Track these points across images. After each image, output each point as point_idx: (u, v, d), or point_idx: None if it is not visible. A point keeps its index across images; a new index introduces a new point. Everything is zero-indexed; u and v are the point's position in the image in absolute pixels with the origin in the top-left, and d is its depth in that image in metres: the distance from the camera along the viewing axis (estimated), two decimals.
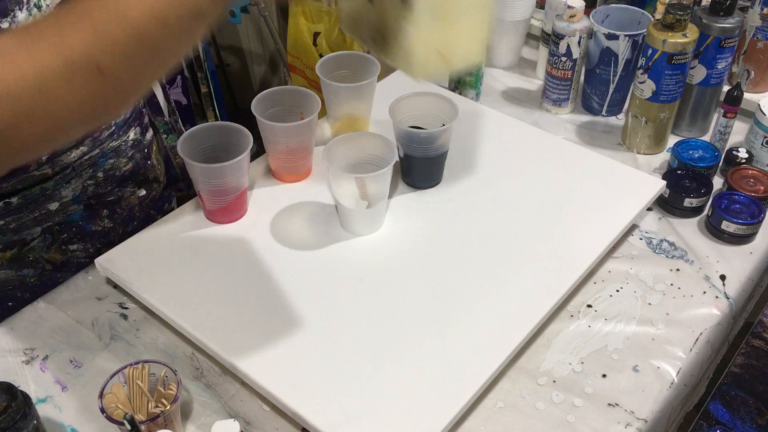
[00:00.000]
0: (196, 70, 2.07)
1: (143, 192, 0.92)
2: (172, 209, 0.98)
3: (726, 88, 1.07)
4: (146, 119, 0.94)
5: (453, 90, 1.17)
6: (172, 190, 1.00)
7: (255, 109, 0.92)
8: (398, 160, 0.95)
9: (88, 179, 0.84)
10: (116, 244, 0.88)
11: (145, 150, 0.92)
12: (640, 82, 1.03)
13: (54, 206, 0.82)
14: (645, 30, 1.03)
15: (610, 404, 0.75)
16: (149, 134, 0.94)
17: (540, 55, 1.25)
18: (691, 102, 1.09)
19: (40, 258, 0.84)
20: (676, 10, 0.96)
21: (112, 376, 0.70)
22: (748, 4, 1.08)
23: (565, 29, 1.08)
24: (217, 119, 2.08)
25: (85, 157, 0.83)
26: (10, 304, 0.86)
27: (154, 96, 0.96)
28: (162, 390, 0.71)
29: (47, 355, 0.80)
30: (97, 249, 0.89)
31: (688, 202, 0.96)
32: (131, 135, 0.89)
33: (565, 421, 0.74)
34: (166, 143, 0.99)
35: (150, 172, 0.94)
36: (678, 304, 0.86)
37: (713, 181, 1.00)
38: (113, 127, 0.85)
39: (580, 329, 0.83)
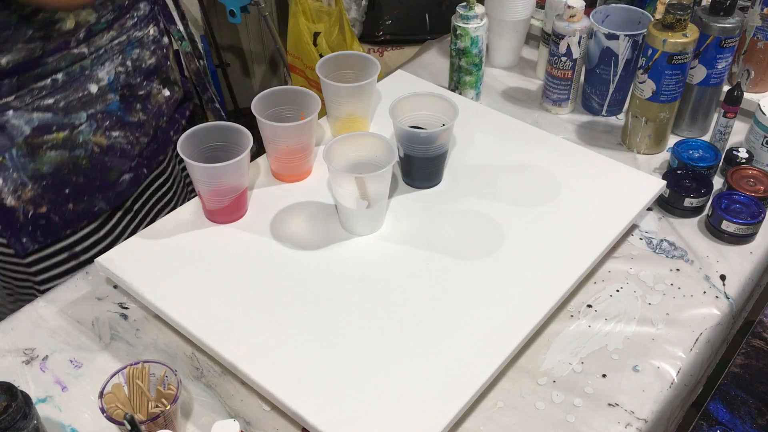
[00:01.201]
0: None
1: (167, 92, 1.01)
2: (189, 120, 1.08)
3: (726, 88, 1.07)
4: (161, 24, 1.01)
5: (453, 90, 1.17)
6: (189, 103, 1.09)
7: (255, 109, 0.93)
8: (398, 160, 0.95)
9: (119, 65, 0.92)
10: (152, 137, 0.98)
11: (164, 50, 1.00)
12: (640, 82, 1.03)
13: (94, 89, 0.90)
14: (645, 30, 1.03)
15: (610, 404, 0.75)
16: (165, 39, 1.01)
17: (540, 55, 1.25)
18: (691, 102, 1.09)
19: (89, 140, 0.91)
20: (676, 10, 0.96)
21: (112, 376, 0.70)
22: (748, 4, 1.08)
23: (565, 29, 1.08)
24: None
25: (115, 41, 0.91)
26: (67, 191, 0.91)
27: (166, 5, 1.04)
28: (162, 390, 0.71)
29: (47, 355, 0.80)
30: (136, 138, 0.96)
31: (688, 202, 0.96)
32: (151, 31, 0.97)
33: (565, 421, 0.74)
34: (180, 49, 1.08)
35: (171, 73, 1.02)
36: (678, 304, 0.86)
37: (713, 181, 1.00)
38: (136, 18, 0.93)
39: (580, 329, 0.83)
